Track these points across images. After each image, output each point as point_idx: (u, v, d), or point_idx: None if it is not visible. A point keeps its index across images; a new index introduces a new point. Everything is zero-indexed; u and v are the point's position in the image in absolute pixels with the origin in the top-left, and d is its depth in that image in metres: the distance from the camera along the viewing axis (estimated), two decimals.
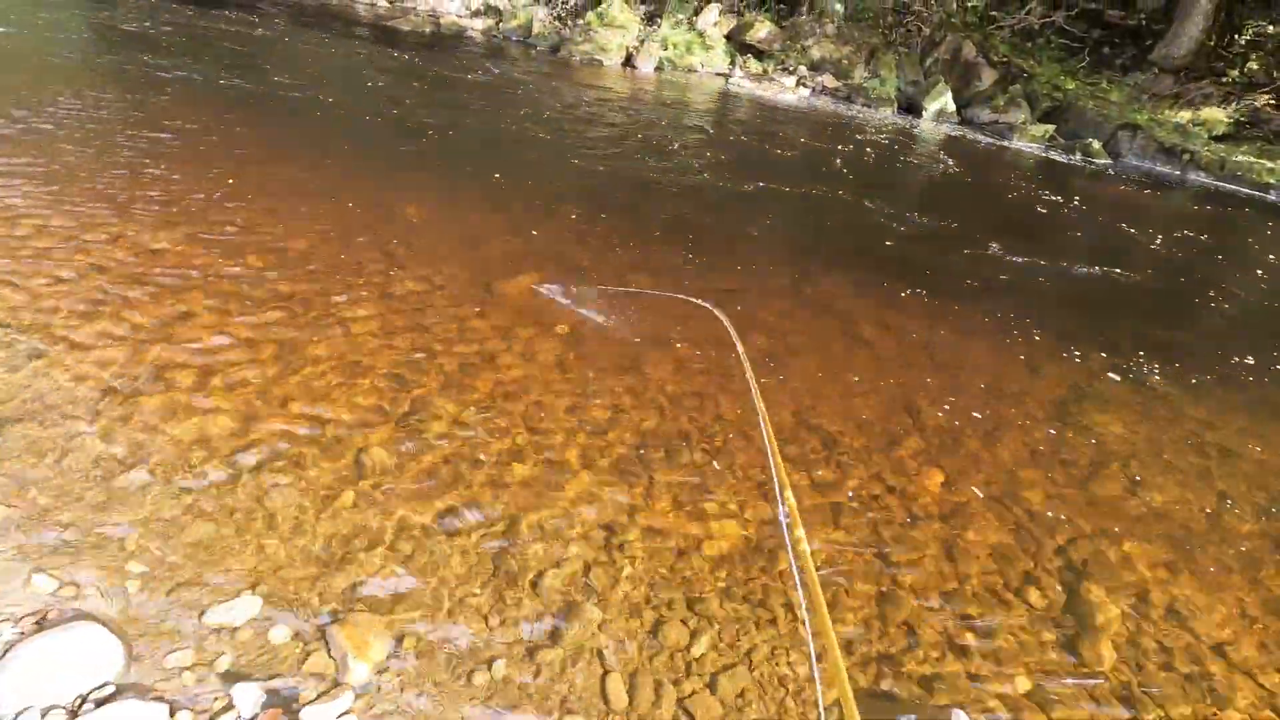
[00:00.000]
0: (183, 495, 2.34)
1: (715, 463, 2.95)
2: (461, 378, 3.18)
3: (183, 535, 2.20)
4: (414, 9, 13.54)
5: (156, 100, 6.14)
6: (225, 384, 2.87)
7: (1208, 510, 3.22)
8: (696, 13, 13.64)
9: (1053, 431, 3.61)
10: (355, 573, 2.18)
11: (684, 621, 2.24)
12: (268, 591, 2.07)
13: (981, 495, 3.05)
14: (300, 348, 3.16)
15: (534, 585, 2.26)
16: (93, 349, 2.92)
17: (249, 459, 2.53)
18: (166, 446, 2.52)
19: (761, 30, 13.25)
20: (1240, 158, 10.95)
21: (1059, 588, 2.64)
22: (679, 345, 3.76)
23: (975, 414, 3.63)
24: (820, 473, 3.01)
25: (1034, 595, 2.60)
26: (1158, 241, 7.43)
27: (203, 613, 1.97)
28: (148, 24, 8.88)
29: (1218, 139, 11.28)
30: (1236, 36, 12.00)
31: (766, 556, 2.54)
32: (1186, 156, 11.08)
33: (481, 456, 2.75)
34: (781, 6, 14.03)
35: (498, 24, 13.32)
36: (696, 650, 2.16)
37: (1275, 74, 11.29)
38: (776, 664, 2.15)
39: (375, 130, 6.61)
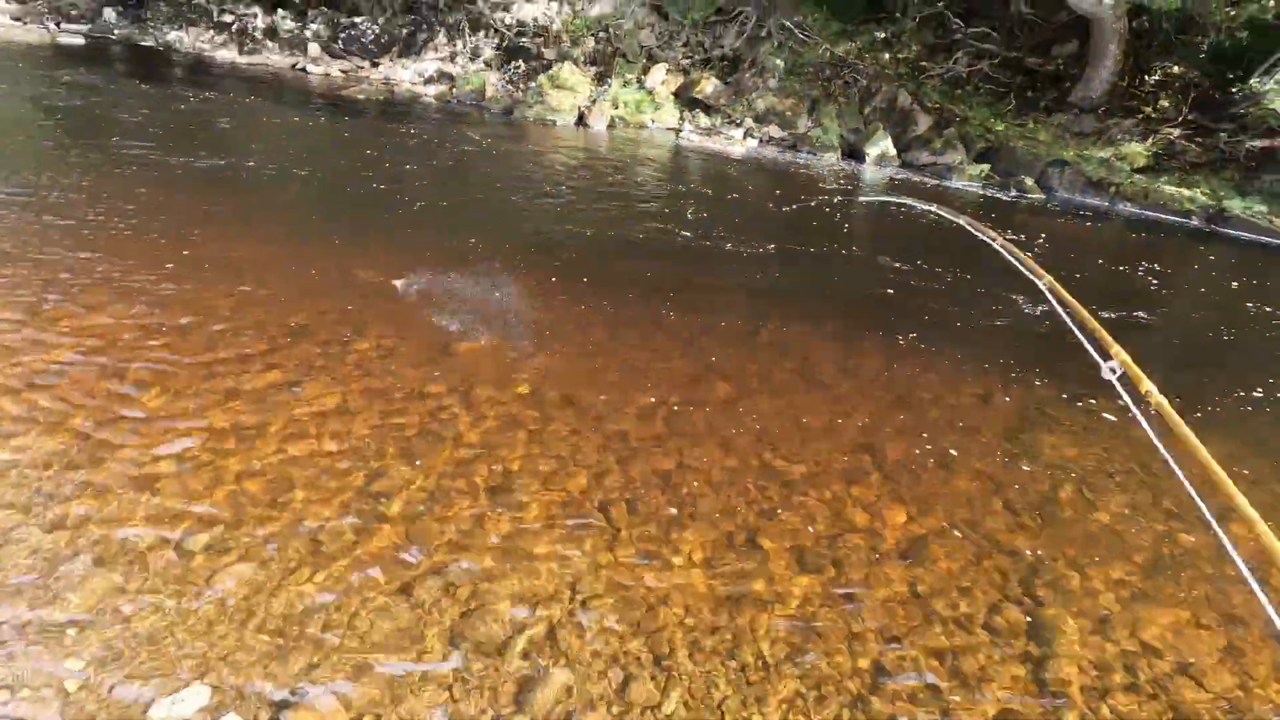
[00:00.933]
0: (127, 584, 2.24)
1: (682, 512, 2.95)
2: (419, 442, 3.14)
3: (127, 626, 2.11)
4: (368, 78, 13.81)
5: (108, 176, 6.10)
6: (172, 462, 2.79)
7: (1159, 527, 3.32)
8: (645, 72, 14.17)
9: (1007, 460, 3.70)
10: (311, 655, 2.11)
11: (653, 677, 2.21)
12: (218, 681, 1.98)
13: (942, 529, 3.09)
14: (252, 420, 3.10)
15: (500, 652, 2.21)
16: (28, 430, 2.83)
17: (198, 541, 2.45)
18: (109, 533, 2.43)
19: (708, 86, 13.80)
20: (1162, 186, 11.63)
21: (1023, 618, 2.67)
22: (641, 395, 3.78)
23: (933, 447, 3.71)
24: (784, 514, 3.03)
25: (1000, 624, 2.62)
26: (1093, 270, 7.79)
27: (148, 707, 1.88)
28: (95, 99, 8.87)
29: (1139, 171, 11.98)
30: (1145, 77, 12.89)
31: (732, 605, 2.53)
32: (1113, 189, 11.73)
33: (442, 522, 2.71)
34: (725, 64, 14.67)
35: (451, 89, 13.64)
36: (667, 708, 2.12)
37: (1184, 110, 12.12)
38: (750, 715, 2.13)
39: (330, 198, 6.65)
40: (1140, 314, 6.47)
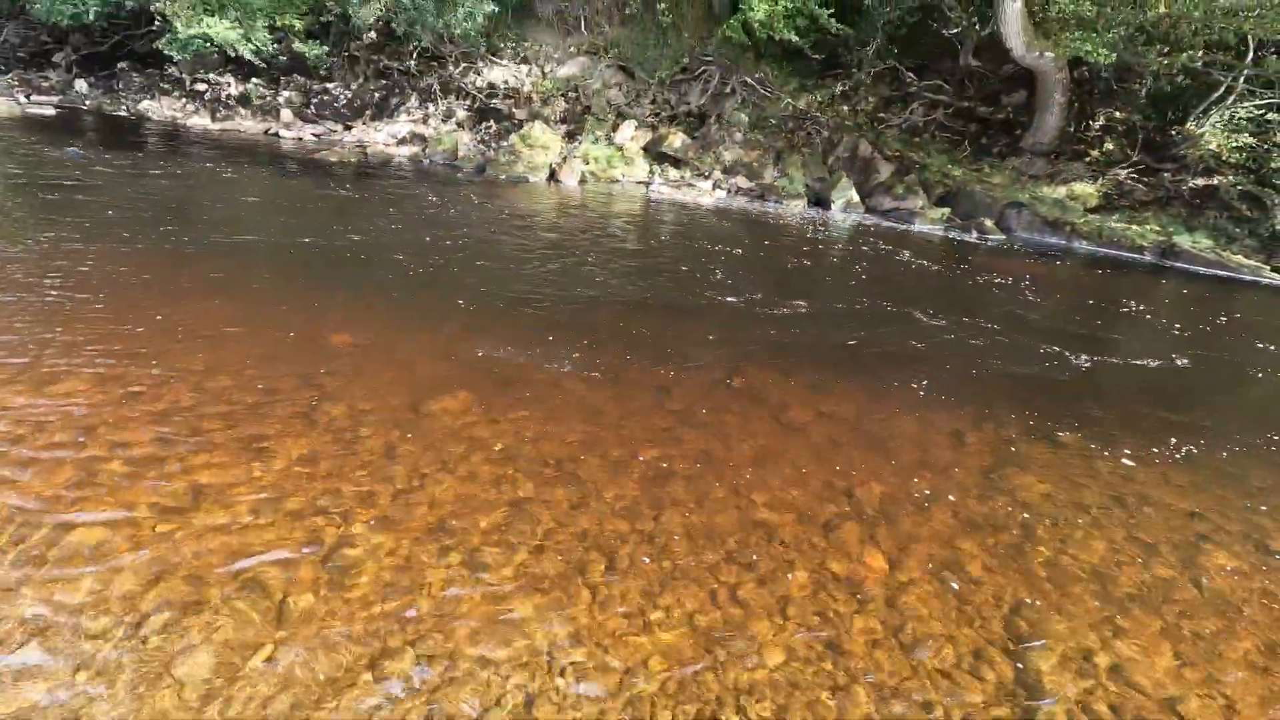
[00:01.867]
0: (80, 670, 2.13)
1: (660, 565, 2.90)
2: (390, 506, 3.08)
3: (77, 718, 2.00)
4: (340, 140, 14.00)
5: (78, 247, 6.05)
6: (132, 532, 2.69)
7: (1137, 561, 3.33)
8: (614, 129, 14.57)
9: (983, 499, 3.72)
10: None
11: None
12: None
13: (922, 572, 3.08)
14: (216, 487, 3.02)
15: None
16: None
17: (156, 619, 2.35)
18: (62, 614, 2.32)
19: (676, 141, 14.21)
20: (1115, 225, 12.12)
21: (1008, 662, 2.65)
22: (615, 449, 3.76)
23: (908, 490, 3.72)
24: (764, 565, 3.00)
25: (985, 671, 2.59)
26: (1054, 306, 8.02)
27: None
28: (68, 170, 8.85)
29: (1092, 210, 12.49)
30: (1091, 122, 13.56)
31: (712, 660, 2.47)
32: (1069, 227, 12.19)
33: (415, 589, 2.63)
34: (691, 119, 15.15)
35: (424, 150, 13.87)
36: None
37: (1129, 152, 12.73)
38: None
39: (302, 261, 6.65)
40: (1106, 347, 6.63)
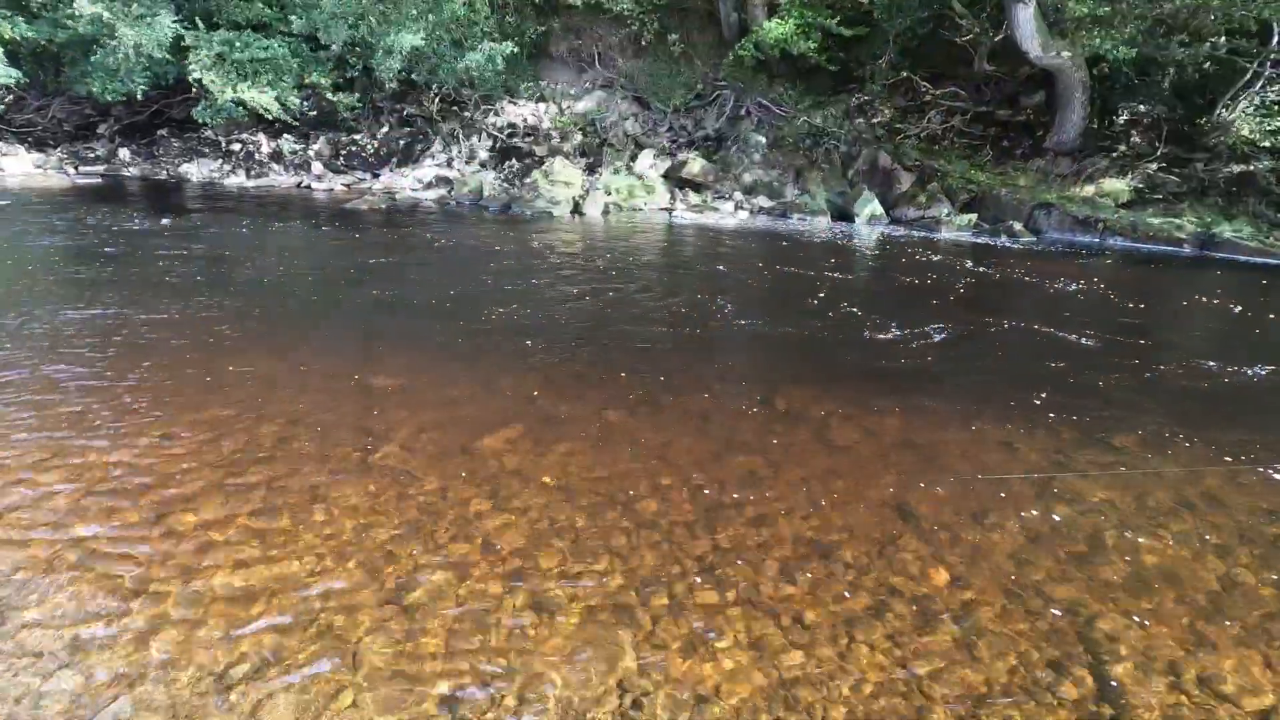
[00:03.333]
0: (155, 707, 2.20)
1: (720, 592, 2.89)
2: (451, 544, 3.13)
3: None
4: (370, 188, 14.44)
5: (123, 311, 6.31)
6: (206, 588, 2.78)
7: (1210, 566, 3.23)
8: (633, 159, 14.80)
9: (1042, 508, 3.64)
10: None
11: None
12: None
13: (989, 587, 3.02)
14: (280, 537, 3.10)
15: None
16: (72, 564, 2.83)
17: (237, 670, 2.41)
18: (148, 670, 2.39)
19: (695, 166, 14.37)
20: (1150, 219, 11.88)
21: (1089, 676, 2.57)
22: (664, 478, 3.78)
23: (964, 502, 3.66)
24: (827, 586, 2.97)
25: (1066, 688, 2.52)
26: (1094, 306, 7.86)
27: None
28: (111, 232, 9.28)
29: (1123, 206, 12.26)
30: (1115, 117, 13.38)
31: (781, 686, 2.45)
32: (1101, 225, 11.98)
33: (482, 628, 2.66)
34: (709, 143, 15.32)
35: (450, 192, 14.23)
36: None
37: (1157, 145, 12.51)
38: None
39: (342, 307, 6.85)
40: (1155, 343, 6.47)
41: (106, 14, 12.09)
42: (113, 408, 4.27)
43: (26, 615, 2.60)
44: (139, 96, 13.63)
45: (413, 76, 14.85)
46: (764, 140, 14.74)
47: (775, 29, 13.62)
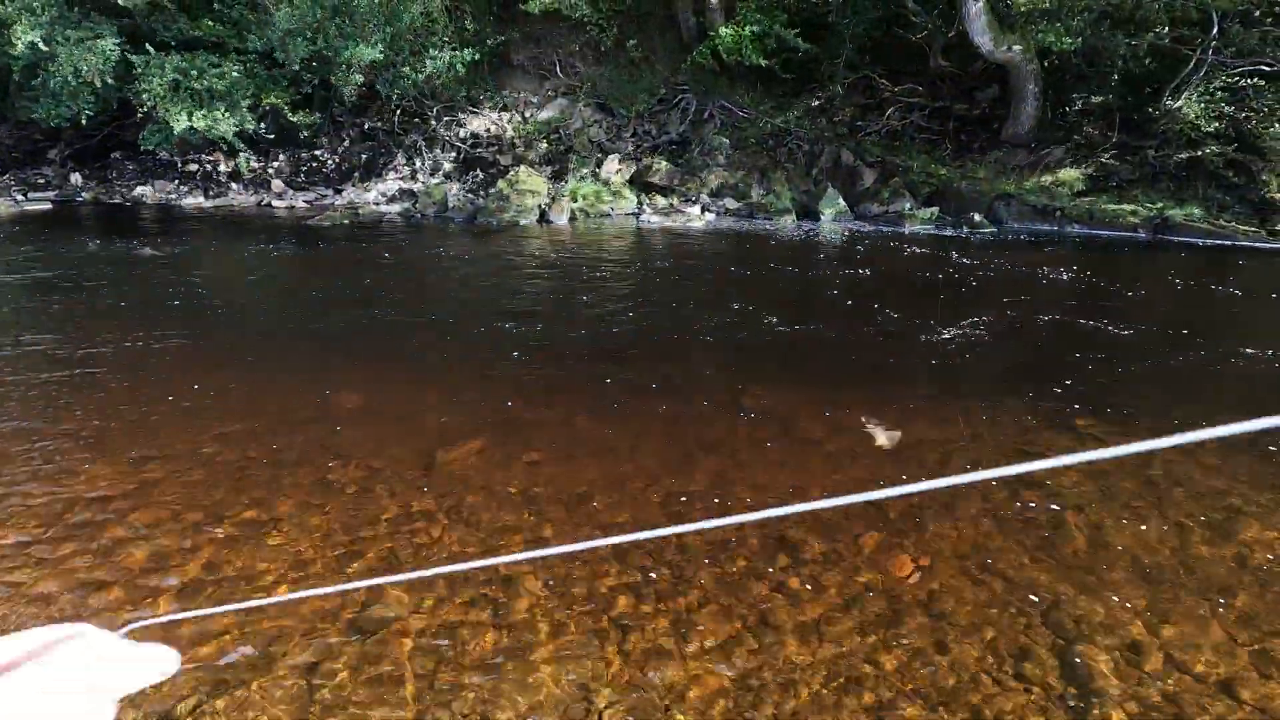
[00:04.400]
0: None
1: (686, 595, 2.86)
2: (416, 560, 3.06)
3: None
4: (332, 204, 14.22)
5: (79, 332, 6.12)
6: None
7: (1171, 545, 3.27)
8: (598, 165, 14.78)
9: (1009, 494, 3.67)
10: None
11: None
12: None
13: (954, 573, 3.03)
14: (231, 560, 3.01)
15: None
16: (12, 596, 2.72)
17: (186, 704, 2.32)
18: None
19: (661, 170, 14.39)
20: (1105, 205, 12.16)
21: (1053, 659, 2.59)
22: (634, 482, 3.74)
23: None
24: (794, 584, 2.95)
25: (1030, 670, 2.53)
26: (1052, 290, 8.01)
27: None
28: (62, 262, 9.01)
29: (1079, 194, 12.54)
30: (1067, 109, 13.69)
31: (750, 685, 2.43)
32: (1059, 213, 12.23)
33: (447, 646, 2.60)
34: (674, 147, 15.37)
35: (415, 204, 14.07)
36: None
37: (1109, 133, 12.82)
38: None
39: (303, 325, 6.72)
40: (1114, 326, 6.60)
41: (43, 43, 11.77)
42: (55, 439, 4.13)
43: None
44: (83, 121, 13.28)
45: (376, 88, 14.68)
46: (728, 142, 14.82)
47: (729, 36, 13.70)
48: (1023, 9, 11.98)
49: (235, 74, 12.94)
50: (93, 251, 9.59)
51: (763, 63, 13.77)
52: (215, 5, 13.54)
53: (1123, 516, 3.46)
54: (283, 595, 2.82)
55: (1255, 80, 11.87)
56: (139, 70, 12.47)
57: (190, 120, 12.42)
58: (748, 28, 13.62)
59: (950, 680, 2.49)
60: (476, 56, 14.46)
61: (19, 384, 4.94)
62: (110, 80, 12.39)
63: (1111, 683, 2.47)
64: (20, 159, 15.88)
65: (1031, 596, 2.90)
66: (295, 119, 14.19)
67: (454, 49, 14.31)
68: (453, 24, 14.81)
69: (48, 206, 13.49)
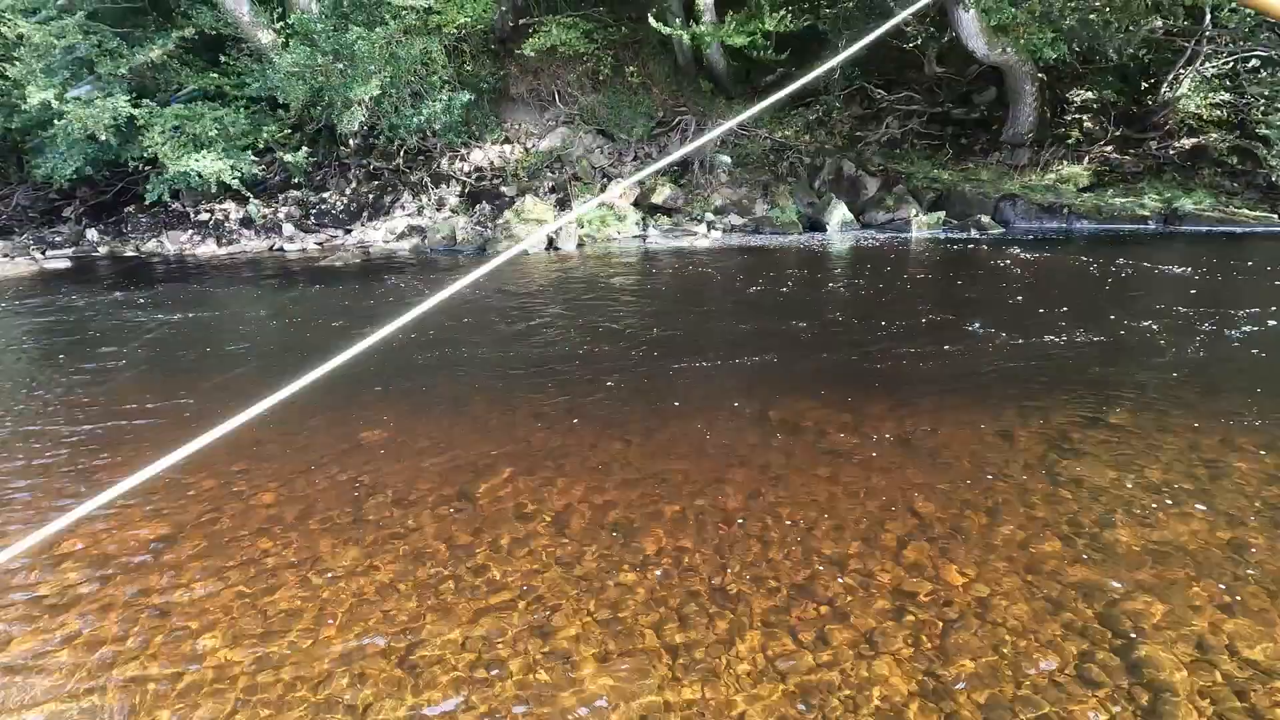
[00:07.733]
0: None
1: (736, 615, 2.82)
2: (455, 599, 3.03)
3: None
4: (342, 244, 14.41)
5: (94, 389, 6.19)
6: (183, 676, 2.66)
7: (1222, 533, 3.20)
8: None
9: (1048, 494, 3.61)
10: None
11: None
12: None
13: (1004, 578, 2.97)
14: (264, 609, 2.99)
15: None
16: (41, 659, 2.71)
17: None
18: None
19: (664, 192, 14.51)
20: (1113, 200, 12.13)
21: (1117, 659, 2.52)
22: (668, 504, 3.71)
23: (970, 497, 3.62)
24: (839, 600, 2.91)
25: (1096, 673, 2.47)
26: (1061, 290, 7.96)
27: None
28: (83, 316, 9.16)
29: (1085, 190, 12.52)
30: (1066, 106, 13.74)
31: (806, 704, 2.38)
32: (1066, 210, 12.20)
33: (494, 680, 2.57)
34: (676, 169, 15.51)
35: (424, 240, 14.23)
36: None
37: (1109, 128, 12.84)
38: None
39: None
40: (1135, 319, 6.54)
41: (55, 102, 12.09)
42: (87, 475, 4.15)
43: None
44: (79, 177, 13.60)
45: (375, 130, 14.94)
46: (729, 160, 14.95)
47: (705, 31, 13.89)
48: (1007, 21, 11.99)
49: (237, 119, 13.23)
50: (109, 303, 9.74)
51: (746, 43, 13.75)
52: (221, 59, 13.91)
53: (1169, 509, 3.39)
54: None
55: (1254, 65, 11.88)
56: (141, 122, 12.76)
57: (188, 163, 12.67)
58: (739, 37, 13.73)
59: (1010, 685, 2.42)
60: (473, 97, 14.69)
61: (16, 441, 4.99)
62: (110, 138, 12.69)
63: (1178, 677, 2.40)
64: (36, 218, 16.22)
65: (1086, 596, 2.83)
66: (298, 159, 14.44)
67: (452, 89, 14.54)
68: (452, 63, 15.07)
69: (66, 264, 13.72)
